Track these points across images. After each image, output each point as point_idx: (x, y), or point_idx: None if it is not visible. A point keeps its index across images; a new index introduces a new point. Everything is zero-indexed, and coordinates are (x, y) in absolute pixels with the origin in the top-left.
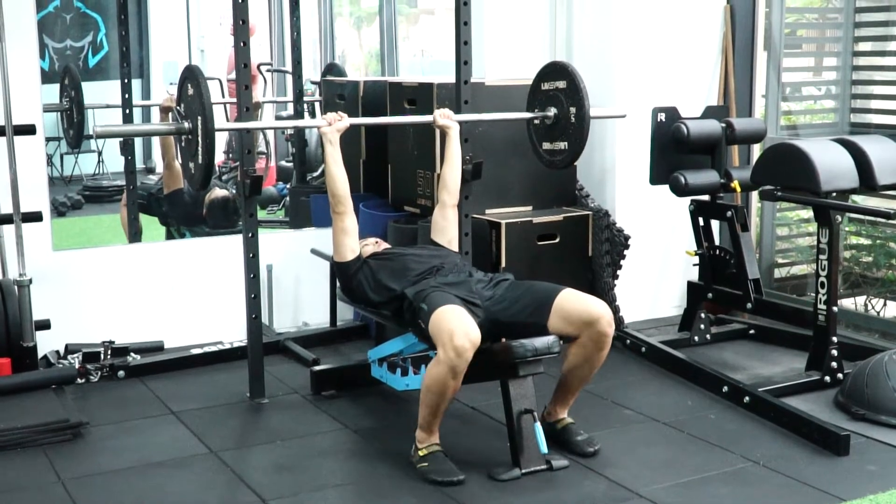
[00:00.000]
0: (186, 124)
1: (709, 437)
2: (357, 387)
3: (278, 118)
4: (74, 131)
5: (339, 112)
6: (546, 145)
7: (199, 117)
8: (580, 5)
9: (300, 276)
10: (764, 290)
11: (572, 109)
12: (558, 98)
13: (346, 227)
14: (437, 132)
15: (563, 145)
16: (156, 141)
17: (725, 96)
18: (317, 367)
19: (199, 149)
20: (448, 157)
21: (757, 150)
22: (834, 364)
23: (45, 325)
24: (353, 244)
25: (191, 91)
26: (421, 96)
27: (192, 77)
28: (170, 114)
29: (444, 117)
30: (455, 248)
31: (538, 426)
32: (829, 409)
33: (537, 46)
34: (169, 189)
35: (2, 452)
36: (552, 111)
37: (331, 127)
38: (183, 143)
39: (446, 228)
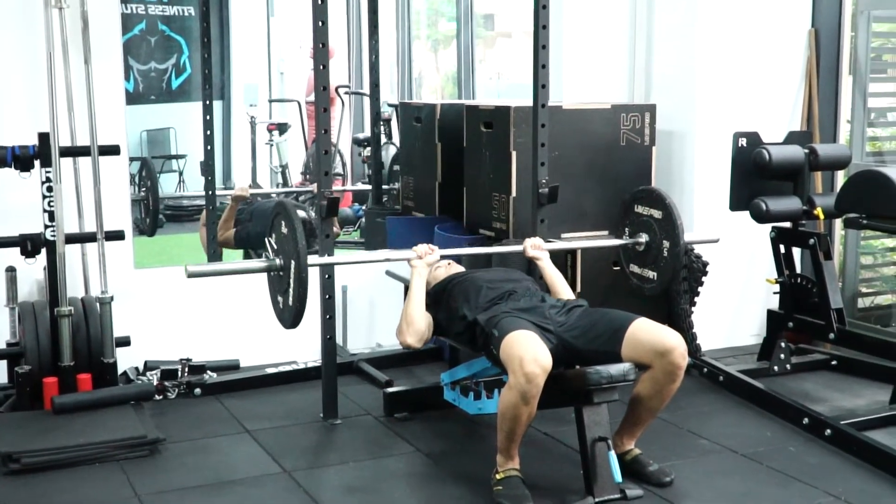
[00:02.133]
0: (278, 261)
1: (788, 470)
2: (430, 409)
3: (355, 140)
4: (150, 219)
5: (431, 245)
6: (634, 268)
7: (293, 262)
8: (661, 28)
9: (374, 298)
10: (847, 321)
11: (665, 243)
12: (651, 226)
13: (416, 343)
14: (514, 156)
15: (651, 275)
16: (235, 163)
17: (809, 121)
18: (390, 389)
19: (291, 290)
20: (551, 286)
21: (841, 177)
22: None
23: (125, 341)
24: (429, 334)
25: (284, 230)
26: (497, 119)
27: (285, 215)
28: (239, 203)
29: (535, 248)
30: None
31: (612, 454)
32: None
33: (616, 69)
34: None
35: (81, 467)
36: (643, 238)
37: (421, 260)
38: (272, 277)
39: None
